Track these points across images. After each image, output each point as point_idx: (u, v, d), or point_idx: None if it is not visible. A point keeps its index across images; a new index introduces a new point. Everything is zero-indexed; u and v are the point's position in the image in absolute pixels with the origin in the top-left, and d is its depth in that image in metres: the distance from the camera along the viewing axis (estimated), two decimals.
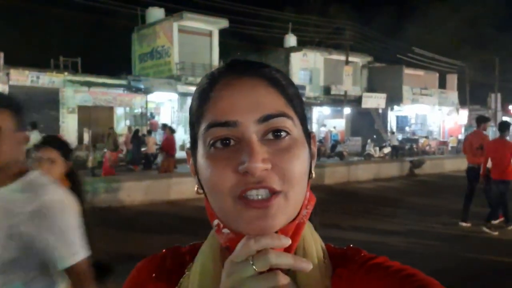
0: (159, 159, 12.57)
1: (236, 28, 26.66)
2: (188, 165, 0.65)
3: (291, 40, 29.22)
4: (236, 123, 0.56)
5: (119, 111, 21.38)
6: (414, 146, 24.73)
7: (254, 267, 0.50)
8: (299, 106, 0.62)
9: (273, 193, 0.54)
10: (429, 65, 32.93)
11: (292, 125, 0.58)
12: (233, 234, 0.57)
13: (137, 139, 15.80)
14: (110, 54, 27.88)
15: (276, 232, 0.55)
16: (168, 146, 11.72)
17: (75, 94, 19.19)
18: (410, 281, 0.54)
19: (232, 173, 0.54)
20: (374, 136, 23.97)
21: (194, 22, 23.06)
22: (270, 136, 0.57)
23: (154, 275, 0.69)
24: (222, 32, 24.33)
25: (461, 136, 30.31)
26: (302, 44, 29.34)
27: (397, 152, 21.66)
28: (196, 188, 0.63)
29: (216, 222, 0.59)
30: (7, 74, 17.57)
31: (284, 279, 0.52)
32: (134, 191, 9.69)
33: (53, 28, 28.22)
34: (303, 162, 0.58)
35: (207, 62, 23.14)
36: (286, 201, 0.55)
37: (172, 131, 12.28)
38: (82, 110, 19.44)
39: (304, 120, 0.63)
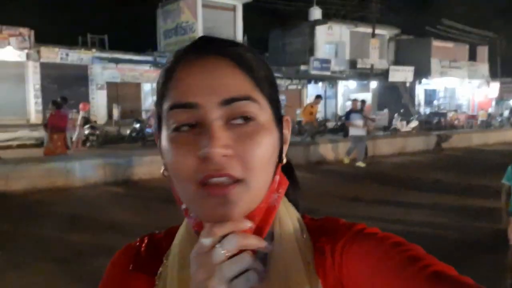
0: (45, 140, 11.14)
1: (260, 2, 26.41)
2: (157, 146, 0.61)
3: (316, 13, 28.74)
4: (196, 105, 0.53)
5: (146, 87, 21.66)
6: (442, 120, 24.33)
7: (222, 251, 0.50)
8: (269, 88, 0.58)
9: (234, 180, 0.52)
10: (459, 37, 31.98)
11: (258, 109, 0.55)
12: (199, 219, 0.57)
13: None
14: (136, 31, 28.14)
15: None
16: (53, 121, 10.65)
17: (103, 71, 19.57)
18: (398, 250, 0.52)
19: (193, 158, 0.52)
20: (402, 110, 23.66)
21: None
22: (234, 121, 0.54)
23: (131, 266, 0.65)
24: (246, 6, 24.13)
25: (491, 110, 29.57)
26: (327, 17, 28.84)
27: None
28: (162, 170, 0.60)
29: (184, 206, 0.59)
30: (38, 52, 18.02)
31: (253, 259, 0.52)
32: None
33: (80, 5, 28.54)
34: (267, 149, 0.55)
35: (231, 37, 23.01)
36: (247, 189, 0.53)
37: (57, 106, 10.84)
38: (110, 86, 19.82)
39: (275, 103, 0.59)
